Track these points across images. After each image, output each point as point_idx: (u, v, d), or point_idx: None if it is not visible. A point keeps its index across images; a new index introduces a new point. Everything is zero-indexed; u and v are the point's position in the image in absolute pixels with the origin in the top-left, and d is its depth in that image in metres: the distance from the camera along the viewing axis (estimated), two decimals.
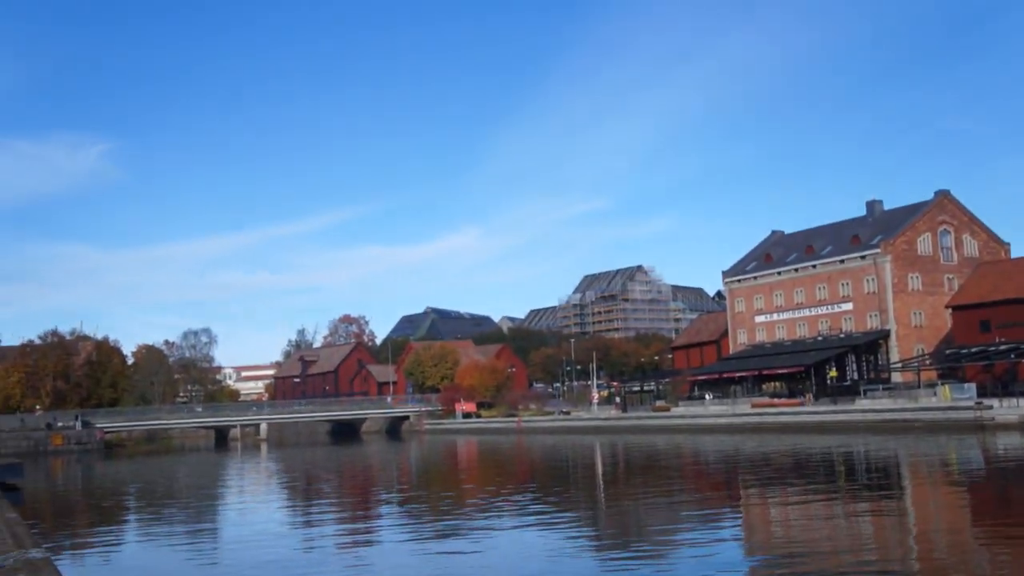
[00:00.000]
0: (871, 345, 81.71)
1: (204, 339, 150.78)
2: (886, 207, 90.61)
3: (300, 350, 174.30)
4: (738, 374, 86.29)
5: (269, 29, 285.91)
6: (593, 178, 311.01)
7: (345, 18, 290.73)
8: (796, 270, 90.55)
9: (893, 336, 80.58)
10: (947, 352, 73.33)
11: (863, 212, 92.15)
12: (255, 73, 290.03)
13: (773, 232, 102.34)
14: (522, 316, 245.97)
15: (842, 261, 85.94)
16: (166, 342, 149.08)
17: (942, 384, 64.43)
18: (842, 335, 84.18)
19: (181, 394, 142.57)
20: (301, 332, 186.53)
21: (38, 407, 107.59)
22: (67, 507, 37.36)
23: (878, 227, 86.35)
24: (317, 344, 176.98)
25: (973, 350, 69.09)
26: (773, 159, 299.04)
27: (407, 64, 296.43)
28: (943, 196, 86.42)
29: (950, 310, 76.77)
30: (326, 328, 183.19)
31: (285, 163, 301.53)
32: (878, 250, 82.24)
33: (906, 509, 24.97)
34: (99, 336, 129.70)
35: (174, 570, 19.73)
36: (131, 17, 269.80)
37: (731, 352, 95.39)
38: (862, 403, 65.47)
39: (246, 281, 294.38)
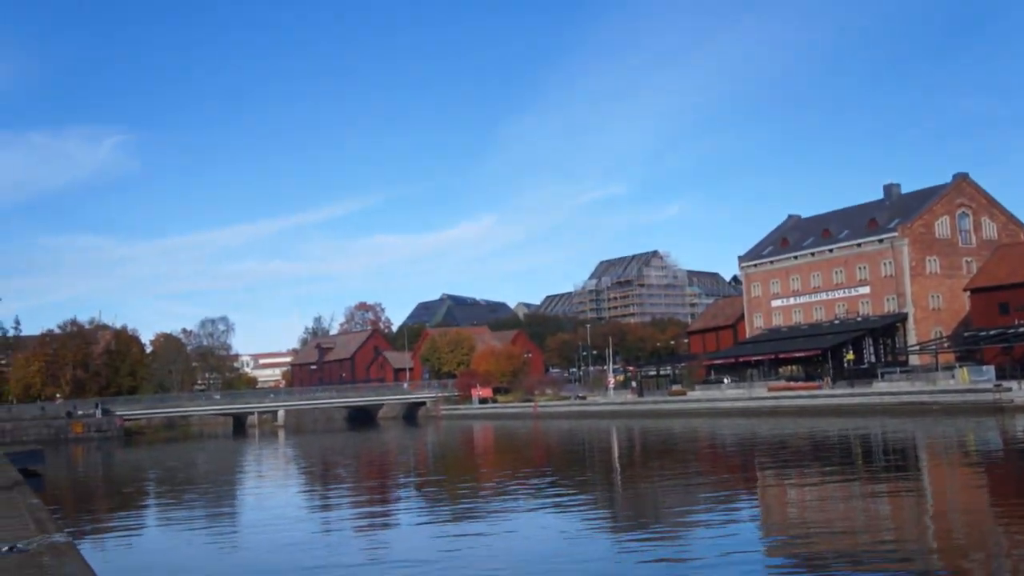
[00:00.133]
0: (888, 328, 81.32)
1: (221, 327, 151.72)
2: (904, 191, 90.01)
3: (317, 337, 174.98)
4: (754, 358, 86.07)
5: (281, 21, 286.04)
6: (608, 164, 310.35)
7: (357, 7, 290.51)
8: (813, 254, 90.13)
9: (911, 319, 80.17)
10: (965, 335, 72.93)
11: (880, 196, 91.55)
12: (268, 64, 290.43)
13: (789, 216, 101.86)
14: (538, 302, 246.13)
15: (859, 245, 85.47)
16: (184, 330, 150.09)
17: (960, 367, 64.08)
18: (859, 319, 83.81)
19: (199, 382, 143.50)
20: (317, 320, 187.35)
21: (58, 395, 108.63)
22: (88, 493, 37.73)
23: (895, 210, 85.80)
24: (333, 331, 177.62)
25: (992, 332, 68.68)
26: (789, 143, 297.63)
27: (421, 52, 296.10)
28: (961, 179, 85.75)
29: (968, 293, 76.29)
30: (342, 315, 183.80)
31: (300, 153, 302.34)
32: (895, 233, 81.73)
33: (923, 490, 24.90)
34: (117, 325, 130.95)
35: (194, 554, 19.90)
36: (143, 11, 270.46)
37: (747, 336, 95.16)
38: (879, 386, 65.19)
39: (262, 270, 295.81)
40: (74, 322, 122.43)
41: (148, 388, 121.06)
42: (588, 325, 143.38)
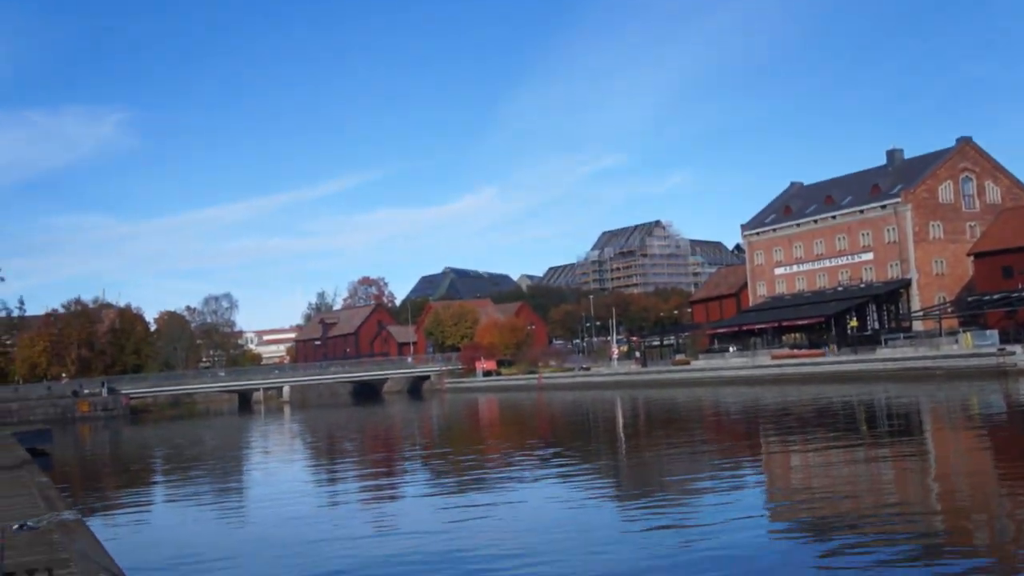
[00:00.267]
0: (892, 294, 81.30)
1: (225, 304, 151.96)
2: (907, 156, 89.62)
3: (320, 313, 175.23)
4: (758, 326, 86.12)
5: None
6: (610, 134, 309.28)
7: None
8: (816, 221, 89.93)
9: (914, 285, 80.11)
10: (969, 299, 72.89)
11: (883, 161, 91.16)
12: (268, 41, 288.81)
13: (792, 184, 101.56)
14: (541, 274, 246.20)
15: (862, 211, 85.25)
16: (188, 308, 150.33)
17: (964, 332, 64.09)
18: (862, 285, 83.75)
19: (204, 359, 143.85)
20: (321, 295, 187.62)
21: (64, 375, 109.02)
22: (96, 471, 37.93)
23: (899, 176, 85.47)
24: (337, 306, 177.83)
25: (995, 297, 68.64)
26: (791, 110, 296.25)
27: (421, 27, 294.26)
28: (965, 143, 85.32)
29: (972, 257, 76.16)
30: (346, 291, 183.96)
31: (301, 128, 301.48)
32: (899, 199, 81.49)
33: (927, 455, 24.97)
34: (121, 304, 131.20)
35: (203, 529, 20.05)
36: None
37: (751, 305, 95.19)
38: (883, 352, 65.25)
39: (265, 246, 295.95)
40: (78, 301, 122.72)
41: (153, 366, 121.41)
42: (591, 296, 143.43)
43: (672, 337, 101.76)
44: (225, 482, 29.54)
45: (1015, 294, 67.21)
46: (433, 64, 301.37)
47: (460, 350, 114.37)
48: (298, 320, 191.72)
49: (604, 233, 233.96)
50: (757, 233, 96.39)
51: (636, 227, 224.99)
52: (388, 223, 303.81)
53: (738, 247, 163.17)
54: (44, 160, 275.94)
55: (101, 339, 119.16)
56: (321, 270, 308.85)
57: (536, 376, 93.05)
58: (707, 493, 20.14)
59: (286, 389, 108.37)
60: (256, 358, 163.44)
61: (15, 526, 12.32)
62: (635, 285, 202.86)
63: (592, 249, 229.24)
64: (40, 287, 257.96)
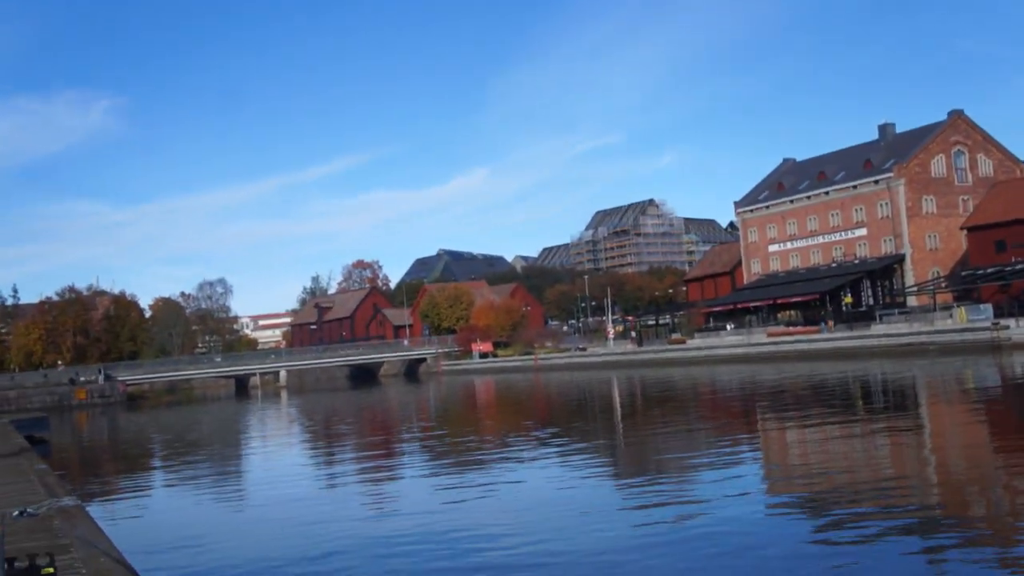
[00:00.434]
0: (886, 270, 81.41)
1: (220, 290, 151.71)
2: (899, 130, 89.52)
3: (315, 297, 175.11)
4: (752, 304, 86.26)
5: None
6: (603, 114, 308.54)
7: None
8: (809, 197, 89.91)
9: (908, 260, 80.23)
10: (963, 274, 73.02)
11: (875, 136, 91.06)
12: (260, 21, 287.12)
13: (785, 160, 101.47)
14: (535, 254, 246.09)
15: (855, 187, 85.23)
16: (182, 294, 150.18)
17: (958, 306, 64.24)
18: (856, 261, 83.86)
19: (199, 345, 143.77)
20: (316, 279, 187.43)
21: (60, 362, 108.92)
22: (94, 458, 38.00)
23: (891, 151, 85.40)
24: (332, 290, 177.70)
25: (989, 271, 68.76)
26: (784, 87, 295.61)
27: (414, 5, 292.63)
28: (956, 116, 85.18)
29: (965, 231, 76.23)
30: (340, 274, 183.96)
31: (292, 111, 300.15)
32: (891, 174, 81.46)
33: (922, 429, 25.11)
34: (116, 291, 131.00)
35: (202, 512, 20.13)
36: None
37: (745, 282, 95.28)
38: (878, 328, 65.40)
39: (259, 230, 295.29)
40: (72, 289, 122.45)
41: (149, 353, 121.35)
42: (586, 276, 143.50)
43: (667, 316, 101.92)
44: (223, 466, 29.61)
45: (1008, 268, 67.33)
46: (425, 45, 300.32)
47: (456, 332, 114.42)
48: (293, 305, 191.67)
49: (598, 213, 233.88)
50: (751, 210, 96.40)
51: (629, 206, 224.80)
52: (382, 206, 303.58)
53: (732, 225, 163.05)
54: (36, 147, 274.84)
55: (96, 326, 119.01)
56: (315, 254, 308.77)
57: (532, 357, 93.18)
58: (703, 470, 20.27)
59: (283, 374, 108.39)
60: (252, 343, 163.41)
61: (15, 512, 12.34)
62: (629, 264, 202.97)
63: (586, 229, 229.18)
64: (34, 275, 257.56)
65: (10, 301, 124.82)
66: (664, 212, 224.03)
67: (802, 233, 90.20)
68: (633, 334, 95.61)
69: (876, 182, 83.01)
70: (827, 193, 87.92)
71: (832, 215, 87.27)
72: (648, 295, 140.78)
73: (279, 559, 14.03)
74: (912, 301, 76.16)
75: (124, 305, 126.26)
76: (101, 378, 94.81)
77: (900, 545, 12.14)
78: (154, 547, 15.54)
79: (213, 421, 56.74)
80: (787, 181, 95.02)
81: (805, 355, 63.06)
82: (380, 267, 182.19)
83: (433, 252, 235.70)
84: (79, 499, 16.32)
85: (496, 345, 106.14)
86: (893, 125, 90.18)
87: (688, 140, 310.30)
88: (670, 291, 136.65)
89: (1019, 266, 66.35)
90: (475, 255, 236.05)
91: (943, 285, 73.91)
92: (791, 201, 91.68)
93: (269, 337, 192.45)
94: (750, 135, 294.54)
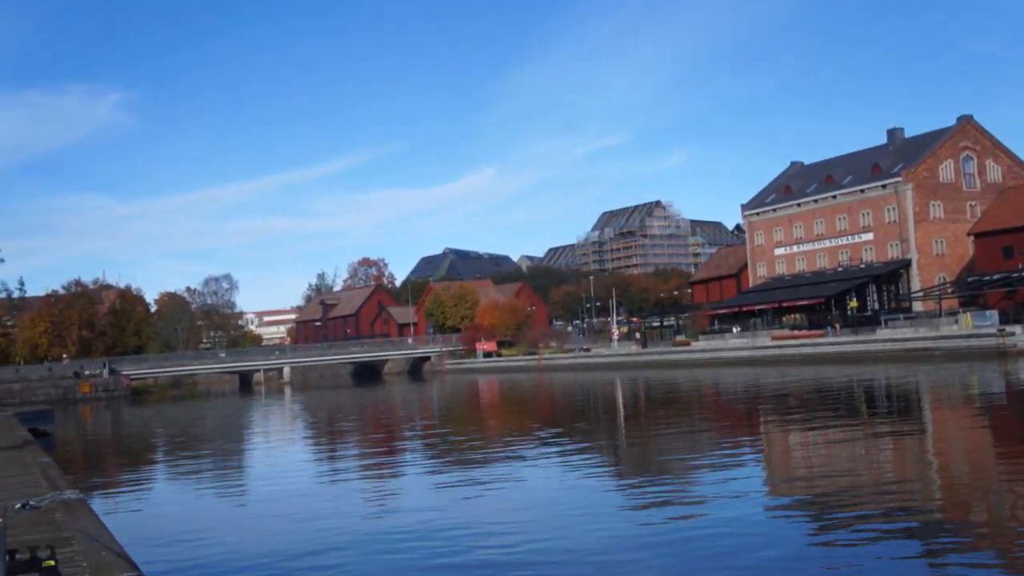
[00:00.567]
0: (892, 275, 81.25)
1: (225, 285, 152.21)
2: (907, 135, 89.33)
3: (321, 294, 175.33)
4: (758, 307, 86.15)
5: None
6: (610, 113, 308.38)
7: None
8: (816, 201, 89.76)
9: (914, 265, 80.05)
10: (969, 280, 72.82)
11: (884, 141, 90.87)
12: (267, 18, 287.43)
13: (792, 163, 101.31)
14: (541, 254, 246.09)
15: (862, 191, 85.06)
16: (188, 289, 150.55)
17: (964, 312, 64.07)
18: (863, 265, 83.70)
19: (204, 340, 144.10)
20: (321, 276, 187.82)
21: (65, 356, 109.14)
22: (98, 451, 38.06)
23: (899, 155, 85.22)
24: (337, 288, 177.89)
25: (995, 277, 68.57)
26: (792, 89, 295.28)
27: (421, 3, 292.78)
28: (966, 121, 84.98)
29: (972, 237, 76.03)
30: (346, 271, 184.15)
31: (300, 108, 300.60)
32: (899, 179, 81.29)
33: (926, 435, 25.05)
34: (122, 285, 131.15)
35: (204, 507, 20.15)
36: None
37: (751, 285, 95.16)
38: (883, 333, 65.28)
39: (265, 227, 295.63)
40: (78, 282, 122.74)
41: (154, 347, 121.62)
42: (591, 277, 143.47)
43: (672, 318, 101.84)
44: (226, 461, 29.64)
45: (1015, 274, 67.14)
46: (432, 43, 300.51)
47: (460, 331, 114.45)
48: (298, 301, 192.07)
49: (604, 213, 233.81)
50: (757, 213, 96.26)
51: (636, 207, 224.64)
52: (388, 204, 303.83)
53: (738, 227, 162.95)
54: (44, 140, 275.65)
55: (102, 320, 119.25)
56: (321, 251, 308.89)
57: (536, 357, 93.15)
58: (705, 471, 20.26)
59: (287, 370, 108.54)
60: (256, 339, 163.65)
61: (17, 505, 12.37)
62: (635, 266, 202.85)
63: (592, 230, 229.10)
64: (40, 268, 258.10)
65: (16, 294, 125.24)
66: (671, 214, 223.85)
67: (808, 237, 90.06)
68: (637, 335, 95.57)
69: (884, 187, 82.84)
70: (834, 197, 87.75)
71: (839, 219, 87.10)
72: (653, 297, 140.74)
73: (280, 554, 14.04)
74: (918, 306, 76.00)
75: (130, 299, 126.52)
76: (106, 372, 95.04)
77: (900, 548, 12.13)
78: (156, 540, 15.57)
79: (216, 416, 56.81)
80: (794, 184, 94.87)
81: (810, 359, 62.95)
82: (386, 265, 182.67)
83: (439, 251, 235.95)
84: (82, 492, 16.34)
85: (500, 345, 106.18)
86: (902, 130, 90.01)
87: (695, 141, 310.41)
88: (675, 293, 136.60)
89: None
90: (481, 254, 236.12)
91: (949, 291, 73.74)
92: (798, 204, 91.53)
93: (274, 333, 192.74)
94: (757, 137, 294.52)
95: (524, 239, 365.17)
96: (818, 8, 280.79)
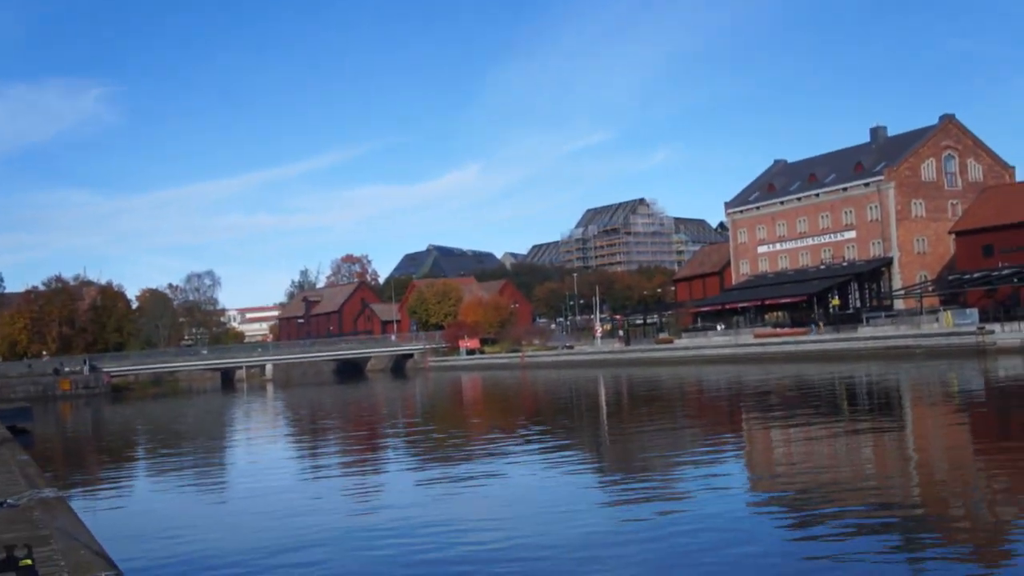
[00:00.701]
0: (874, 273, 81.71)
1: (208, 282, 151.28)
2: (890, 133, 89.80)
3: (303, 291, 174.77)
4: (741, 305, 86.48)
5: None
6: (595, 111, 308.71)
7: None
8: (799, 199, 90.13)
9: (896, 263, 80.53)
10: (950, 278, 73.29)
11: (867, 139, 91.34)
12: (252, 14, 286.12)
13: (776, 161, 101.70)
14: (524, 252, 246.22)
15: (845, 189, 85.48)
16: (170, 286, 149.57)
17: (944, 310, 64.50)
18: (845, 263, 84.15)
19: (186, 337, 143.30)
20: (304, 273, 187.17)
21: (44, 352, 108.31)
22: (77, 449, 37.79)
23: (882, 154, 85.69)
24: (320, 284, 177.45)
25: (976, 275, 69.03)
26: (776, 88, 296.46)
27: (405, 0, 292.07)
28: (948, 120, 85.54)
29: (953, 236, 76.54)
30: (329, 268, 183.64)
31: (285, 104, 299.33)
32: (881, 177, 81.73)
33: (906, 431, 25.21)
34: (103, 281, 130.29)
35: (185, 505, 20.04)
36: None
37: (734, 283, 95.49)
38: (864, 331, 65.64)
39: (248, 223, 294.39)
40: (59, 278, 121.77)
41: (135, 344, 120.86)
42: (575, 274, 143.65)
43: (655, 316, 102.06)
44: (207, 459, 29.52)
45: (995, 273, 67.64)
46: (417, 39, 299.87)
47: (444, 328, 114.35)
48: (281, 298, 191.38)
49: (588, 211, 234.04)
50: (741, 211, 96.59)
51: (620, 205, 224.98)
52: (372, 200, 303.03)
53: (722, 225, 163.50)
54: (24, 135, 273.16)
55: (82, 317, 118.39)
56: (304, 248, 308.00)
57: (519, 355, 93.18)
58: (687, 467, 20.32)
59: (269, 367, 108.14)
60: (239, 336, 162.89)
61: None
62: (619, 263, 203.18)
63: (576, 227, 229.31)
64: (20, 264, 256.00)
65: None
66: (654, 211, 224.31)
67: (791, 235, 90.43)
68: (621, 333, 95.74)
69: (866, 185, 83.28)
70: (817, 195, 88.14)
71: (822, 217, 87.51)
72: (637, 294, 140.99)
73: (261, 550, 13.98)
74: (899, 304, 76.47)
75: (111, 296, 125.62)
76: (86, 369, 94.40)
77: (879, 543, 12.20)
78: (135, 538, 15.47)
79: (198, 414, 56.55)
80: (778, 182, 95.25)
81: (792, 356, 63.23)
82: (369, 262, 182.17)
83: (423, 248, 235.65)
84: (61, 490, 16.21)
85: (484, 342, 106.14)
86: (884, 128, 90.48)
87: (679, 139, 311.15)
88: (659, 290, 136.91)
89: (1006, 271, 66.68)
90: (465, 251, 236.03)
91: (930, 289, 74.22)
92: (781, 202, 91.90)
93: (256, 330, 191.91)
94: (741, 135, 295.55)
95: (508, 236, 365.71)
96: (802, 8, 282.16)
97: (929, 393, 36.30)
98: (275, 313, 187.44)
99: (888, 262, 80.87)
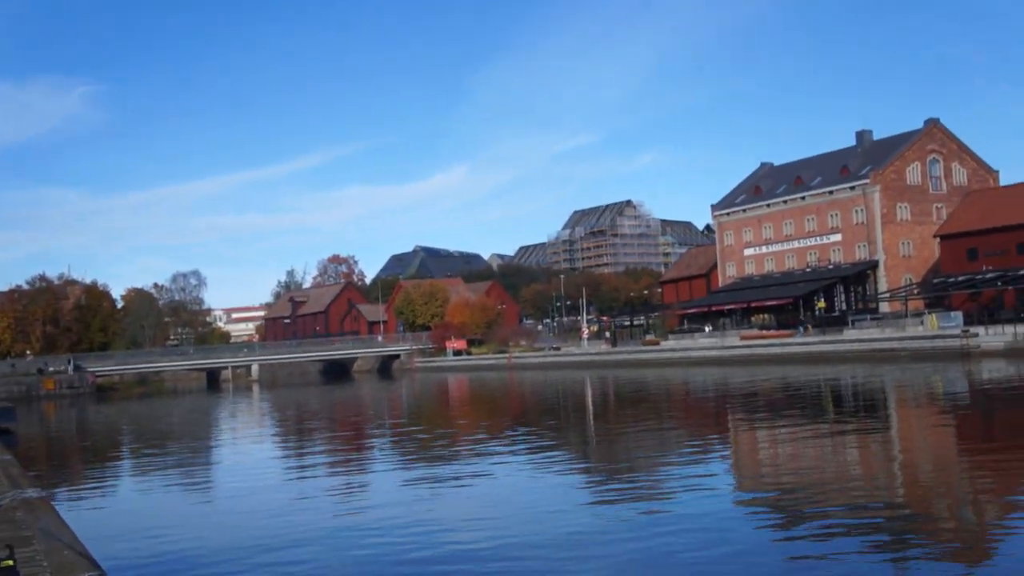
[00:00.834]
0: (859, 276, 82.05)
1: (193, 282, 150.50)
2: (876, 137, 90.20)
3: (290, 291, 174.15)
4: (727, 307, 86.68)
5: None
6: (582, 113, 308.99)
7: None
8: (785, 202, 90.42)
9: (881, 266, 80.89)
10: (934, 281, 73.65)
11: (853, 143, 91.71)
12: (239, 13, 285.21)
13: (762, 164, 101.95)
14: (511, 253, 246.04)
15: (831, 192, 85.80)
16: (155, 285, 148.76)
17: (929, 313, 64.82)
18: (831, 266, 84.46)
19: (172, 337, 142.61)
20: (291, 273, 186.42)
21: (28, 352, 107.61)
22: (61, 449, 37.59)
23: (867, 157, 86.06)
24: (307, 285, 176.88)
25: (960, 279, 69.40)
26: (763, 91, 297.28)
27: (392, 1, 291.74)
28: (932, 125, 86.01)
29: (938, 239, 76.93)
30: (315, 268, 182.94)
31: (271, 103, 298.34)
32: (867, 180, 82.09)
33: (890, 433, 25.34)
34: (87, 280, 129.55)
35: (170, 502, 19.99)
36: None
37: (720, 285, 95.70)
38: (850, 333, 65.90)
39: (235, 223, 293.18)
40: (43, 277, 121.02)
41: (120, 344, 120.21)
42: (562, 276, 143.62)
43: (642, 317, 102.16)
44: (192, 459, 29.40)
45: (979, 276, 68.03)
46: (405, 40, 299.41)
47: (430, 329, 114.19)
48: (267, 298, 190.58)
49: (575, 212, 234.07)
50: (727, 213, 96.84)
51: (607, 206, 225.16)
52: (359, 200, 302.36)
53: (708, 227, 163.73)
54: (9, 133, 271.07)
55: (67, 316, 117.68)
56: (291, 248, 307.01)
57: (506, 356, 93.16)
58: (672, 468, 20.40)
59: (255, 368, 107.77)
60: (225, 336, 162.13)
61: None
62: (606, 265, 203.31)
63: (563, 228, 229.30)
64: (3, 262, 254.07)
65: None
66: (641, 213, 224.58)
67: (778, 237, 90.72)
68: (607, 334, 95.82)
69: (852, 188, 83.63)
70: (803, 198, 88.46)
71: (808, 220, 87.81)
72: (624, 296, 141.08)
73: (245, 549, 13.97)
74: (884, 307, 76.79)
75: (96, 295, 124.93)
76: (70, 369, 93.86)
77: (862, 542, 12.29)
78: (119, 538, 15.41)
79: (183, 414, 56.34)
80: (764, 185, 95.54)
81: (778, 359, 63.42)
82: (356, 262, 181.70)
83: (409, 248, 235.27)
84: (44, 491, 16.12)
85: (470, 343, 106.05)
86: (870, 132, 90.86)
87: (666, 141, 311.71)
88: (645, 292, 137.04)
89: (990, 275, 67.07)
90: (451, 252, 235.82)
91: (915, 292, 74.57)
92: (767, 205, 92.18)
93: (242, 330, 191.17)
94: (728, 138, 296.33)
95: (495, 237, 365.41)
96: (789, 11, 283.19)
97: (914, 395, 36.49)
98: (261, 313, 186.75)
99: (873, 265, 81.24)
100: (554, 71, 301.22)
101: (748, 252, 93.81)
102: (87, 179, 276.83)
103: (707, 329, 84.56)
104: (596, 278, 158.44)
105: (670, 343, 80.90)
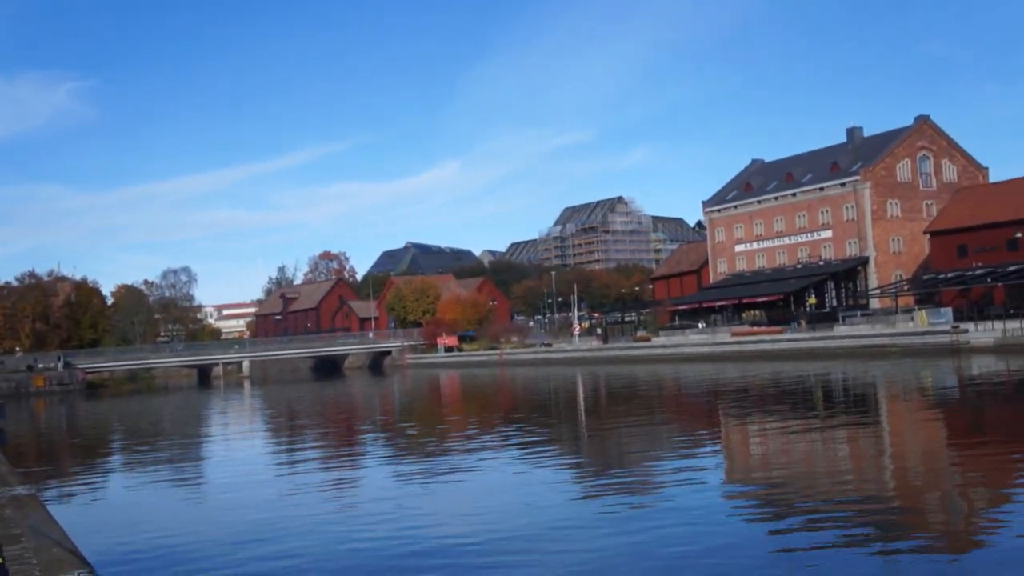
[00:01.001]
0: (850, 272, 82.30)
1: (184, 278, 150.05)
2: (866, 134, 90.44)
3: (281, 287, 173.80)
4: (718, 303, 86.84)
5: None
6: (574, 109, 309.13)
7: None
8: (776, 198, 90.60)
9: (872, 263, 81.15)
10: (924, 278, 73.92)
11: (843, 139, 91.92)
12: (230, 9, 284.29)
13: (753, 161, 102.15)
14: (503, 249, 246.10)
15: (822, 189, 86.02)
16: (146, 282, 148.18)
17: (919, 309, 65.04)
18: (821, 263, 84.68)
19: (162, 333, 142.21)
20: (282, 269, 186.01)
21: (18, 349, 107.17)
22: (51, 446, 37.46)
23: (858, 154, 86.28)
24: (298, 281, 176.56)
25: (950, 275, 69.67)
26: (754, 87, 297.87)
27: None
28: (923, 121, 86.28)
29: (928, 236, 77.21)
30: (307, 265, 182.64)
31: (262, 99, 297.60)
32: (858, 177, 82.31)
33: (882, 432, 25.41)
34: (77, 277, 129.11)
35: (159, 502, 19.93)
36: None
37: (711, 282, 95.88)
38: (840, 329, 66.07)
39: (225, 219, 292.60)
40: (32, 274, 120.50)
41: (110, 340, 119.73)
42: (553, 272, 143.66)
43: (633, 314, 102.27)
44: (182, 455, 29.32)
45: (969, 272, 68.29)
46: (397, 36, 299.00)
47: (422, 326, 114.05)
48: (258, 294, 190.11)
49: (566, 209, 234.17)
50: (718, 210, 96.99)
51: (598, 203, 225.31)
52: (350, 197, 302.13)
53: (699, 224, 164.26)
54: None
55: (56, 313, 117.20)
56: (282, 244, 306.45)
57: (497, 352, 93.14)
58: (663, 462, 20.44)
59: (246, 364, 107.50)
60: (215, 333, 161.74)
61: None
62: (597, 261, 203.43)
63: (554, 225, 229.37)
64: None
65: None
66: (632, 210, 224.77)
67: (768, 234, 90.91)
68: (599, 331, 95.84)
69: (842, 185, 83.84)
70: (794, 195, 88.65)
71: (799, 216, 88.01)
72: (615, 292, 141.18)
73: (236, 544, 13.96)
74: (875, 303, 77.06)
75: (86, 292, 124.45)
76: (60, 365, 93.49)
77: (852, 535, 12.35)
78: (109, 535, 15.39)
79: (174, 410, 56.19)
80: (755, 182, 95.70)
81: (768, 355, 63.55)
82: (347, 259, 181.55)
83: (401, 245, 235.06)
84: (33, 488, 16.06)
85: (462, 339, 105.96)
86: (861, 129, 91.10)
87: (657, 138, 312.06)
88: (637, 289, 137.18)
89: (979, 271, 67.35)
90: (443, 249, 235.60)
91: (905, 288, 74.83)
92: (758, 202, 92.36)
93: (233, 327, 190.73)
94: (719, 134, 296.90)
95: (486, 234, 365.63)
96: (779, 9, 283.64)
97: (904, 391, 36.62)
98: (252, 310, 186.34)
99: (864, 261, 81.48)
100: (546, 68, 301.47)
101: (739, 248, 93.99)
102: (76, 175, 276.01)
103: (699, 325, 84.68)
104: (587, 274, 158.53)
105: (661, 339, 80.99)
